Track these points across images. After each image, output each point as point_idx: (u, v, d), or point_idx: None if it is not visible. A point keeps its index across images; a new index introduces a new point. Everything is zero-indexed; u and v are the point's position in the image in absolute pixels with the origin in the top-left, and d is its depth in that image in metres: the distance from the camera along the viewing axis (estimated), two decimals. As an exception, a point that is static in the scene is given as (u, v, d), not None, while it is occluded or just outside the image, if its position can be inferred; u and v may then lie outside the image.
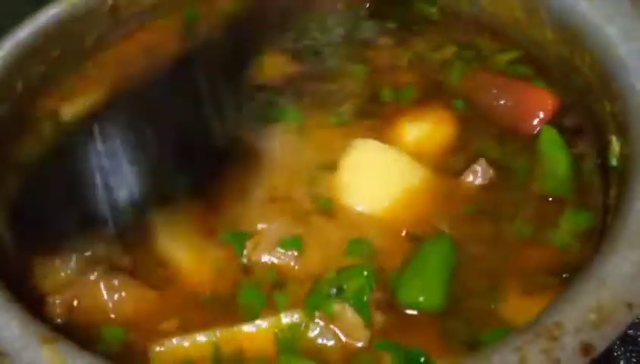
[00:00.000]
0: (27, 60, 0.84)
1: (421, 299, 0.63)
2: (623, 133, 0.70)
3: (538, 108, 0.79)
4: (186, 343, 0.61)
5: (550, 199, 0.72)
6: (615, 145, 0.72)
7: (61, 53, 0.89)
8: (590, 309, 0.52)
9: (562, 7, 0.82)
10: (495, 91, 0.82)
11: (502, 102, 0.81)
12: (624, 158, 0.70)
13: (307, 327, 0.62)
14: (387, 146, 0.77)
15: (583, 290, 0.54)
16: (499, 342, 0.52)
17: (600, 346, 0.51)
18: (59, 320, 0.64)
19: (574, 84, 0.81)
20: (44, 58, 0.86)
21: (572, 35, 0.80)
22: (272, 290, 0.66)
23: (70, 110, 0.82)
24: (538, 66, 0.86)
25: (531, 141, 0.77)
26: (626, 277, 0.54)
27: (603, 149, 0.74)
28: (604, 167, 0.73)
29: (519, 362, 0.50)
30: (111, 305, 0.64)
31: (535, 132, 0.78)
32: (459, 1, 0.95)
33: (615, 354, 0.74)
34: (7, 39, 0.83)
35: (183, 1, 0.98)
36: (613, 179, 0.71)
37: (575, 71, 0.81)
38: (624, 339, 0.74)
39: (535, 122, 0.78)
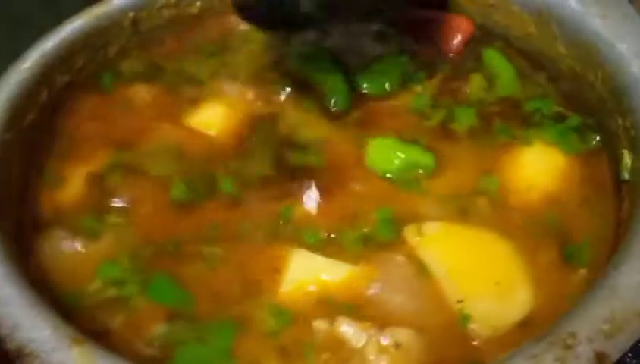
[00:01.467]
0: (53, 70, 0.86)
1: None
2: (635, 147, 0.72)
3: (459, 30, 0.93)
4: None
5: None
6: (627, 158, 0.73)
7: (85, 63, 0.91)
8: (603, 319, 0.54)
9: (574, 24, 0.84)
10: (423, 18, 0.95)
11: (429, 25, 0.94)
12: (635, 171, 0.71)
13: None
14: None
15: (596, 301, 0.56)
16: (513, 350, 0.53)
17: (614, 355, 0.52)
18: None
19: (588, 99, 0.83)
20: (68, 68, 0.88)
21: (585, 51, 0.82)
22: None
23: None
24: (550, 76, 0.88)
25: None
26: (638, 287, 0.56)
27: (615, 163, 0.75)
28: (617, 181, 0.74)
29: (534, 370, 0.51)
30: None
31: (454, 48, 0.91)
32: (471, 14, 0.97)
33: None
34: (33, 50, 0.85)
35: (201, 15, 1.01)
36: (625, 192, 0.72)
37: (589, 86, 0.82)
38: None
39: (456, 41, 0.93)
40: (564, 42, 0.86)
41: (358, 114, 0.85)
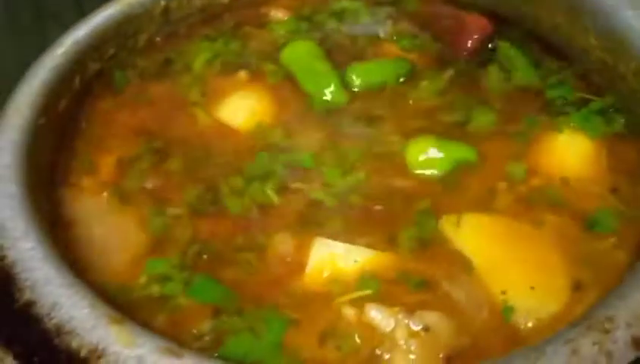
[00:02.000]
0: (85, 57, 0.86)
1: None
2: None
3: (476, 29, 0.93)
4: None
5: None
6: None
7: (116, 51, 0.92)
8: (641, 304, 0.54)
9: (606, 15, 0.84)
10: (440, 16, 0.97)
11: (444, 23, 0.95)
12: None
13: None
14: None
15: (634, 286, 0.55)
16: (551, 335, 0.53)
17: (652, 341, 0.52)
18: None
19: (619, 90, 0.82)
20: (100, 55, 0.89)
21: (617, 42, 0.82)
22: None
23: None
24: (578, 72, 0.88)
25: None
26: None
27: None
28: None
29: (571, 354, 0.51)
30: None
31: (469, 47, 0.92)
32: (499, 6, 0.97)
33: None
34: (66, 36, 0.86)
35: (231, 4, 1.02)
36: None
37: (620, 78, 0.82)
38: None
39: (473, 38, 0.93)
40: (595, 33, 0.86)
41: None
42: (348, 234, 0.70)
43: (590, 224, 0.69)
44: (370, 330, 0.63)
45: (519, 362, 0.51)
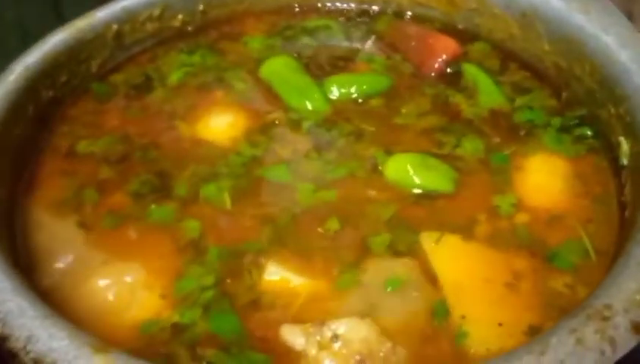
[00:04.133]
0: (37, 84, 0.83)
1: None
2: (631, 132, 0.74)
3: (442, 51, 0.93)
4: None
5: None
6: (624, 145, 0.75)
7: (69, 78, 0.88)
8: (635, 290, 0.54)
9: (559, 21, 0.87)
10: (409, 36, 0.97)
11: (412, 44, 0.95)
12: (634, 156, 0.73)
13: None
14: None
15: (625, 274, 0.56)
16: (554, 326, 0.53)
17: (650, 324, 0.52)
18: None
19: (576, 92, 0.85)
20: (52, 82, 0.86)
21: (570, 46, 0.85)
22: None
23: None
24: (537, 75, 0.91)
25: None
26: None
27: (612, 150, 0.77)
28: (616, 167, 0.76)
29: (577, 343, 0.51)
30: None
31: (435, 68, 0.92)
32: (453, 17, 0.99)
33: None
34: (16, 63, 0.82)
35: (184, 28, 1.00)
36: (625, 177, 0.74)
37: (576, 80, 0.85)
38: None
39: (439, 61, 0.93)
40: (548, 39, 0.88)
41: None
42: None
43: (550, 259, 0.69)
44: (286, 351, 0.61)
45: (523, 356, 0.51)
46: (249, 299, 0.66)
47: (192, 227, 0.72)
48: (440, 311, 0.64)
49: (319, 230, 0.72)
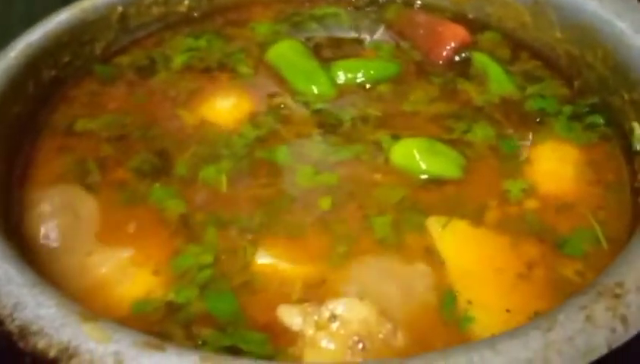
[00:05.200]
0: (39, 62, 0.82)
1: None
2: (646, 117, 0.72)
3: (451, 39, 0.91)
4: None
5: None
6: (638, 130, 0.73)
7: (71, 59, 0.87)
8: (648, 268, 0.52)
9: (571, 8, 0.85)
10: (418, 24, 0.96)
11: (421, 32, 0.94)
12: (648, 141, 0.71)
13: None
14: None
15: (637, 253, 0.54)
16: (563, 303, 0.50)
17: (663, 303, 0.50)
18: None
19: (588, 80, 0.83)
20: (55, 62, 0.84)
21: (582, 33, 0.83)
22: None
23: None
24: (549, 64, 0.88)
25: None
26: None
27: (625, 137, 0.75)
28: (629, 153, 0.74)
29: (586, 320, 0.48)
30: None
31: (444, 56, 0.90)
32: (463, 6, 0.98)
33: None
34: (18, 41, 0.81)
35: (190, 14, 0.99)
36: (638, 162, 0.72)
37: (588, 68, 0.83)
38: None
39: (447, 48, 0.91)
40: (561, 27, 0.87)
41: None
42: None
43: (560, 246, 0.66)
44: (284, 330, 0.59)
45: (530, 331, 0.48)
46: (243, 279, 0.64)
47: (184, 206, 0.71)
48: (445, 295, 0.62)
49: (316, 210, 0.70)
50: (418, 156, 0.75)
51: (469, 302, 0.62)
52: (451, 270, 0.65)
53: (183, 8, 0.98)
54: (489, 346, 0.47)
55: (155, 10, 0.96)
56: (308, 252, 0.66)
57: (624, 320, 0.49)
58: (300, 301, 0.61)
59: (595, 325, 0.48)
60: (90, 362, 0.47)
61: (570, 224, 0.68)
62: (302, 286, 0.63)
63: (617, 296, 0.50)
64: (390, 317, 0.59)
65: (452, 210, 0.70)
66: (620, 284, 0.51)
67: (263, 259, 0.66)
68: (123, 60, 0.92)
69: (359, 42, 0.97)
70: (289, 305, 0.61)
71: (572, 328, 0.48)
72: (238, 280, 0.64)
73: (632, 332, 0.48)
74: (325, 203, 0.71)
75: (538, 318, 0.50)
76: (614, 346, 0.48)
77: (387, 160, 0.76)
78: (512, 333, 0.48)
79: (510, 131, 0.80)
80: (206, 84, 0.88)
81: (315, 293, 0.62)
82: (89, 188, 0.73)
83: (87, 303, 0.56)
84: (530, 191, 0.72)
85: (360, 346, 0.56)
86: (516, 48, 0.93)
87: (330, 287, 0.63)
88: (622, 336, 0.48)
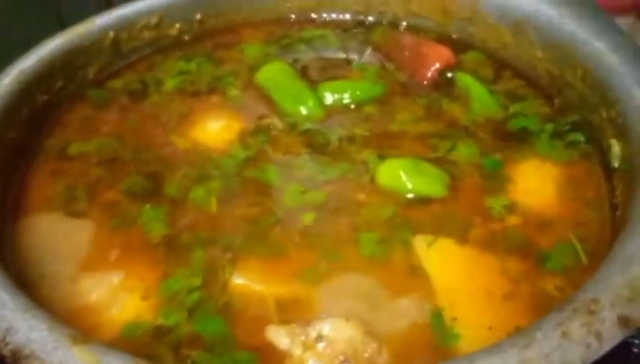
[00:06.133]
0: (32, 88, 0.83)
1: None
2: (623, 135, 0.74)
3: (436, 59, 0.93)
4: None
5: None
6: (616, 147, 0.75)
7: (64, 84, 0.89)
8: (622, 285, 0.54)
9: (550, 28, 0.87)
10: (403, 46, 0.98)
11: (407, 54, 0.96)
12: (625, 158, 0.73)
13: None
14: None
15: (613, 270, 0.55)
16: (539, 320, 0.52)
17: (637, 319, 0.51)
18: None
19: (568, 99, 0.85)
20: (48, 87, 0.86)
21: (562, 52, 0.85)
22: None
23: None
24: (531, 83, 0.91)
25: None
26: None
27: (604, 153, 0.77)
28: (608, 170, 0.75)
29: (562, 337, 0.50)
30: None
31: (429, 77, 0.92)
32: (447, 27, 1.00)
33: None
34: (12, 67, 0.83)
35: (181, 37, 1.01)
36: (617, 179, 0.74)
37: (568, 86, 0.85)
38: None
39: (432, 69, 0.93)
40: (541, 46, 0.89)
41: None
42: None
43: (543, 262, 0.68)
44: (272, 351, 0.61)
45: (508, 349, 0.50)
46: (224, 300, 0.65)
47: (172, 227, 0.72)
48: (431, 313, 0.64)
49: (301, 228, 0.71)
50: (404, 176, 0.76)
51: (454, 319, 0.63)
52: (437, 287, 0.66)
53: (174, 32, 1.00)
54: (467, 363, 0.48)
55: (147, 35, 0.98)
56: (290, 270, 0.67)
57: (598, 336, 0.50)
58: (282, 320, 0.62)
59: (570, 341, 0.50)
60: (81, 384, 0.49)
61: (551, 240, 0.70)
62: (274, 305, 0.64)
63: (592, 313, 0.51)
64: (376, 335, 0.61)
65: (438, 228, 0.71)
66: (596, 301, 0.52)
67: (239, 280, 0.67)
68: (116, 83, 0.94)
69: (347, 62, 0.99)
70: (276, 325, 0.62)
71: (548, 345, 0.49)
72: (221, 300, 0.65)
73: (606, 347, 0.50)
74: (308, 218, 0.72)
75: (515, 334, 0.52)
76: (588, 361, 0.49)
77: (373, 179, 0.77)
78: (490, 350, 0.50)
79: (493, 149, 0.81)
80: (197, 106, 0.90)
81: (293, 312, 0.63)
82: (78, 214, 0.74)
83: (77, 325, 0.58)
84: (512, 207, 0.74)
85: (344, 364, 0.58)
86: (499, 67, 0.95)
87: (311, 306, 0.64)
88: (597, 351, 0.49)
